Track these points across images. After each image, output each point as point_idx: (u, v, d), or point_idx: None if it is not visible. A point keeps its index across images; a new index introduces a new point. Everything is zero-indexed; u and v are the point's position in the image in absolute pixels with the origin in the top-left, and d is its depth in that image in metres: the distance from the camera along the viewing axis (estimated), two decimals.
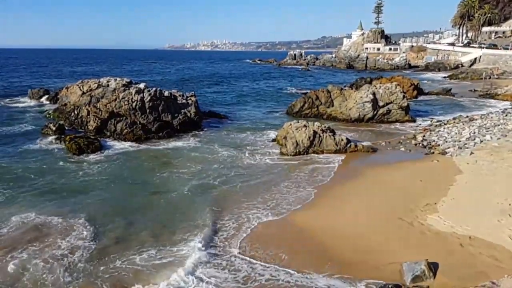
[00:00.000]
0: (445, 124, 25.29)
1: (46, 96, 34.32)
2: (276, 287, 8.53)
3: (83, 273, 9.13)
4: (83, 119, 23.51)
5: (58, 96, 32.26)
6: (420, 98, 39.15)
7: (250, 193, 14.04)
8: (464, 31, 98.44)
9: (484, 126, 22.66)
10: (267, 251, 9.96)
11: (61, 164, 17.33)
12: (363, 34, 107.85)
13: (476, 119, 25.53)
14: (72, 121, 24.49)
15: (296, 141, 18.78)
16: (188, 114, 24.42)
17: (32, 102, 33.61)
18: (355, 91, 29.12)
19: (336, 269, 9.04)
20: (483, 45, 79.05)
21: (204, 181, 15.31)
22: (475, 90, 44.59)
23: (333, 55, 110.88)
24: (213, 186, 14.89)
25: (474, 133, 20.98)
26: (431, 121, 27.13)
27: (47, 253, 9.92)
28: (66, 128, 23.50)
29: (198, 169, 16.76)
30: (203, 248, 10.09)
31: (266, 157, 18.57)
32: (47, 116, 27.60)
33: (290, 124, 19.97)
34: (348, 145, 19.10)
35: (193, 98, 25.62)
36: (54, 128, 22.44)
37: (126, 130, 21.77)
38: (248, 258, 9.65)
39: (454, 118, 27.32)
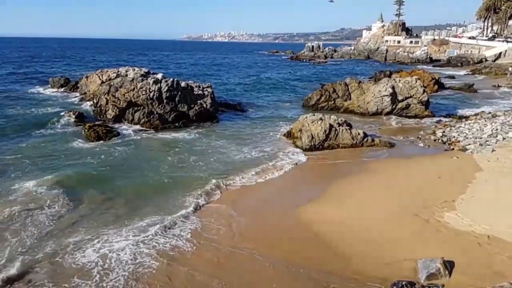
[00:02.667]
0: (466, 120, 24.63)
1: (67, 85, 35.00)
2: (286, 284, 8.54)
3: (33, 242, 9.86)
4: (102, 108, 23.91)
5: (78, 85, 32.95)
6: (441, 93, 38.18)
7: (250, 188, 13.88)
8: (490, 24, 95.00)
9: (507, 123, 21.96)
10: (271, 247, 9.79)
11: (70, 147, 18.19)
12: (383, 26, 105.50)
13: (499, 116, 24.76)
14: (91, 110, 24.98)
15: (312, 134, 18.63)
16: (204, 105, 24.53)
17: (53, 90, 34.33)
18: (373, 85, 28.62)
19: (348, 264, 8.97)
20: (509, 39, 76.14)
21: (194, 172, 15.12)
22: (499, 86, 43.15)
23: (352, 47, 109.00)
24: (200, 178, 14.49)
25: (497, 129, 20.36)
26: (451, 116, 26.45)
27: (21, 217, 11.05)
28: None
29: (196, 159, 16.68)
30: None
31: (278, 150, 18.40)
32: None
33: (306, 117, 19.80)
34: (365, 140, 18.84)
35: (209, 89, 25.70)
36: (74, 116, 22.98)
37: (143, 120, 22.05)
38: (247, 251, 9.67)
39: (475, 114, 26.57)
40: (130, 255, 9.34)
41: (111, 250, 9.59)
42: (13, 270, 8.66)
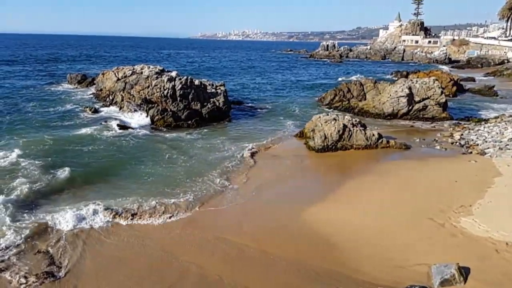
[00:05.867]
0: (485, 122, 23.94)
1: (84, 81, 35.59)
2: (295, 285, 8.44)
3: None
4: (118, 104, 24.22)
5: (94, 82, 33.48)
6: (460, 94, 37.29)
7: (261, 187, 13.74)
8: None
9: None
10: (278, 247, 9.67)
11: (70, 136, 19.02)
12: (401, 25, 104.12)
13: None
14: (107, 106, 25.34)
15: (325, 134, 18.38)
16: (217, 104, 24.54)
17: (71, 87, 34.96)
18: (389, 85, 28.13)
19: (359, 266, 8.79)
20: None
21: (185, 171, 14.92)
22: None
23: (368, 47, 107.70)
24: (180, 181, 14.06)
25: None
26: (470, 119, 25.76)
27: None
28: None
29: (197, 158, 16.57)
30: None
31: (289, 151, 18.16)
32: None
33: (319, 117, 19.58)
34: (380, 141, 18.51)
35: (222, 88, 25.71)
36: (90, 112, 23.39)
37: (157, 117, 22.21)
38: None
39: (495, 117, 25.77)
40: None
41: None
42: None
